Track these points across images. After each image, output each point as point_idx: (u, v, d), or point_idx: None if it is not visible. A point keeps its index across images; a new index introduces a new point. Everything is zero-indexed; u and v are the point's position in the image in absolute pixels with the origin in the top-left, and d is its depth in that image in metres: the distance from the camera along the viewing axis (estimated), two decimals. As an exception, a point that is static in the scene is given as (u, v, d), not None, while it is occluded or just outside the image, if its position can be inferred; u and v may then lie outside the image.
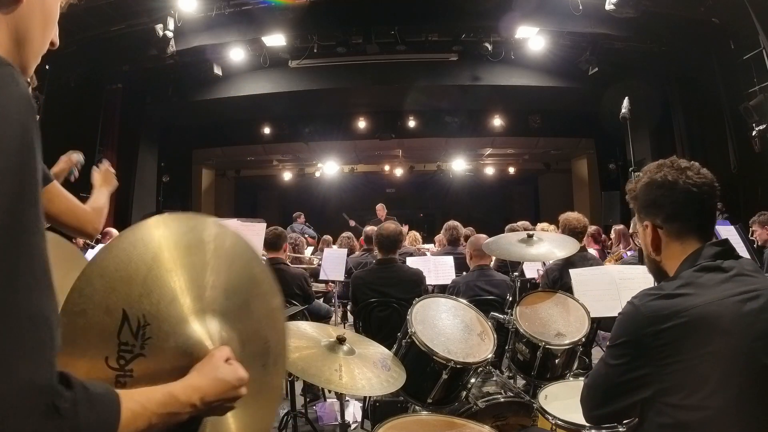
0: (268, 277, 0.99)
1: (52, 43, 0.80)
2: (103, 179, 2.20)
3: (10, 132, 0.58)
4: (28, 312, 0.57)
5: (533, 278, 4.37)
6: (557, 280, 3.54)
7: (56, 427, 0.56)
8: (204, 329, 0.84)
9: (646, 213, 1.39)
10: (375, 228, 4.86)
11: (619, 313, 1.32)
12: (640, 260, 3.48)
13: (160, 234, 0.82)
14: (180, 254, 0.83)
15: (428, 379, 2.21)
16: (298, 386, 3.74)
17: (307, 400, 3.97)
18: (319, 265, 5.40)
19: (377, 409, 2.64)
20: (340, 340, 2.00)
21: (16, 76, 0.63)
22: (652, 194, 1.37)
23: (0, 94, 0.60)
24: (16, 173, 0.58)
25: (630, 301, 1.29)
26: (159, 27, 7.08)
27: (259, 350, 0.96)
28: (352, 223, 10.73)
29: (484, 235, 3.81)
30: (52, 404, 0.56)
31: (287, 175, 15.87)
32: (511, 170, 16.42)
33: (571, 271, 3.10)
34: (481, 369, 2.34)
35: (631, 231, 5.80)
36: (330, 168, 14.72)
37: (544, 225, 6.23)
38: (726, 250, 1.31)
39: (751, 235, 4.87)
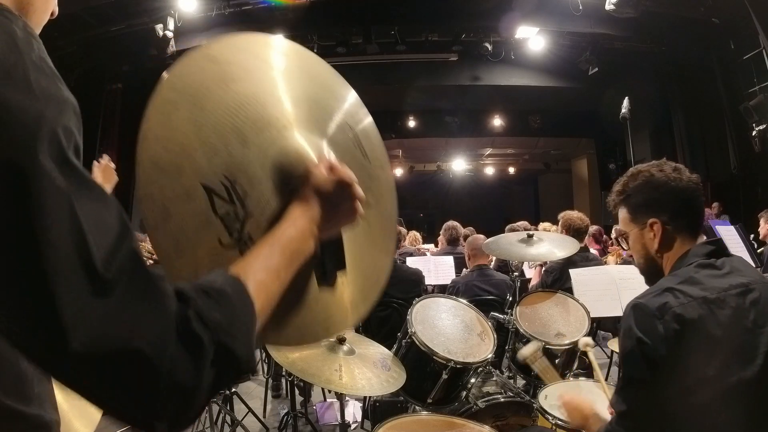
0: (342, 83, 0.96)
1: (51, 13, 0.72)
2: (103, 175, 2.16)
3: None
4: (137, 255, 0.52)
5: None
6: (557, 280, 3.54)
7: (198, 346, 0.52)
8: (292, 147, 0.76)
9: (648, 211, 1.41)
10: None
11: (626, 317, 1.31)
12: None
13: (188, 79, 0.70)
14: (226, 84, 0.72)
15: (428, 379, 2.21)
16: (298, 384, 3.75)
17: (307, 399, 3.97)
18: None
19: (377, 409, 2.64)
20: (340, 340, 2.00)
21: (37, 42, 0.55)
22: (654, 192, 1.39)
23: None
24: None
25: (633, 303, 1.29)
26: (159, 27, 7.08)
27: (357, 162, 0.86)
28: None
29: (482, 236, 3.81)
30: (184, 330, 0.51)
31: (287, 175, 15.84)
32: (511, 170, 16.44)
33: (571, 271, 3.10)
34: (481, 369, 2.34)
35: (615, 236, 5.78)
36: (330, 168, 14.69)
37: (546, 225, 6.23)
38: (718, 249, 1.36)
39: (758, 230, 4.94)
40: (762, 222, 4.95)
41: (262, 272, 0.63)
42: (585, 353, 1.91)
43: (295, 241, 0.69)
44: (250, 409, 3.47)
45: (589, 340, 1.93)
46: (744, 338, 1.23)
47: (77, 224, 0.47)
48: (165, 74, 0.68)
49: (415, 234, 7.70)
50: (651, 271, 1.46)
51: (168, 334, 0.50)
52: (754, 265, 3.53)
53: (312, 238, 0.71)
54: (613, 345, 2.54)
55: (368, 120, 0.98)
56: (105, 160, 2.24)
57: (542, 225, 6.23)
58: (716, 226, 3.53)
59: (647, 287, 1.39)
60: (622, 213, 1.48)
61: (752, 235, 4.92)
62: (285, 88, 0.81)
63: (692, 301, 1.23)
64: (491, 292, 3.51)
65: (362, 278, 0.86)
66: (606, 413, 1.47)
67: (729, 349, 1.22)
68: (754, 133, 7.13)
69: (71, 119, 0.52)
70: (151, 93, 0.66)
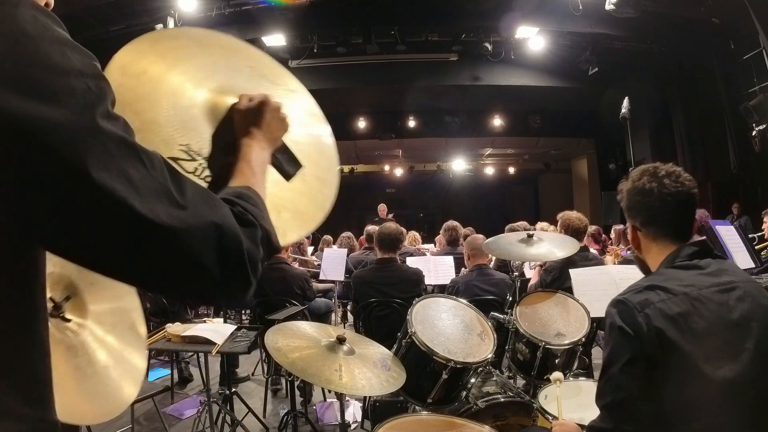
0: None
1: (46, 4, 0.73)
2: None
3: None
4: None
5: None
6: (556, 279, 3.54)
7: (253, 228, 0.69)
8: (214, 101, 0.94)
9: (628, 215, 1.51)
10: (376, 227, 4.86)
11: (608, 315, 1.33)
12: (640, 260, 3.48)
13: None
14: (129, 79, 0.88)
15: (428, 379, 2.22)
16: (297, 384, 3.75)
17: (308, 400, 3.97)
18: (320, 265, 5.40)
19: (377, 409, 2.64)
20: (340, 340, 2.00)
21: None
22: (632, 199, 1.47)
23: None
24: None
25: (615, 299, 1.33)
26: (159, 27, 7.08)
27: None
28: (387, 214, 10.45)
29: (481, 236, 3.81)
30: (240, 219, 0.68)
31: (287, 175, 15.85)
32: (511, 170, 16.45)
33: (571, 271, 3.10)
34: (481, 369, 2.34)
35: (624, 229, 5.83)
36: (330, 168, 14.69)
37: (544, 225, 6.23)
38: (702, 250, 1.39)
39: (762, 228, 4.93)
40: (767, 219, 4.95)
41: (255, 182, 0.81)
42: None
43: (255, 155, 0.86)
44: (250, 409, 3.47)
45: (560, 375, 1.98)
46: (729, 333, 1.25)
47: (147, 172, 0.60)
48: None
49: (415, 234, 7.68)
50: (640, 266, 1.54)
51: (232, 219, 0.66)
52: (753, 264, 3.53)
53: (264, 150, 0.89)
54: (613, 345, 2.54)
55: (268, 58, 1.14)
56: None
57: (539, 225, 6.22)
58: (716, 226, 3.52)
59: None
60: None
61: (757, 234, 4.92)
62: (196, 69, 0.98)
63: (673, 297, 1.26)
64: (491, 291, 3.51)
65: (316, 169, 1.06)
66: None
67: (714, 344, 1.23)
68: (754, 133, 7.14)
69: (103, 78, 0.61)
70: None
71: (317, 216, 1.04)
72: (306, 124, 1.09)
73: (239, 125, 0.90)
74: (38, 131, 0.52)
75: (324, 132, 1.14)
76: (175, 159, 0.84)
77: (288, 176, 0.97)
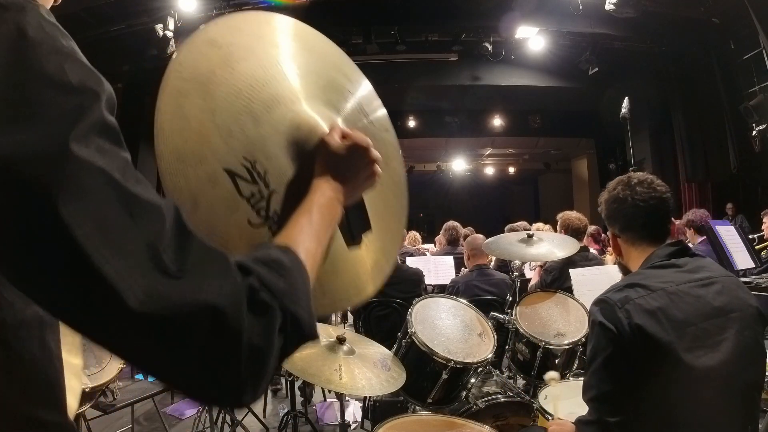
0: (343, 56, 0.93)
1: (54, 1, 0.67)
2: None
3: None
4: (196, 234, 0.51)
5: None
6: (556, 279, 3.54)
7: (268, 313, 0.51)
8: (303, 120, 0.76)
9: (608, 223, 1.60)
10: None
11: (591, 313, 1.40)
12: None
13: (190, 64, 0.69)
14: (227, 67, 0.71)
15: (428, 379, 2.22)
16: (298, 385, 3.74)
17: (308, 400, 3.97)
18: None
19: (377, 409, 2.64)
20: (340, 340, 2.00)
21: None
22: (609, 208, 1.56)
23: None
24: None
25: (597, 299, 1.40)
26: (159, 27, 7.09)
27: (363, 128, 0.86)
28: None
29: (481, 236, 3.81)
30: (252, 298, 0.50)
31: (287, 175, 15.86)
32: (511, 170, 16.45)
33: (571, 270, 3.10)
34: (481, 369, 2.34)
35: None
36: (330, 168, 14.70)
37: (539, 225, 6.24)
38: (679, 250, 1.45)
39: (762, 228, 4.94)
40: (766, 220, 4.95)
41: (306, 241, 0.64)
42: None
43: (326, 209, 0.69)
44: (250, 409, 3.47)
45: (555, 374, 2.00)
46: (708, 323, 1.30)
47: (130, 212, 0.46)
48: (170, 64, 0.68)
49: (414, 234, 7.68)
50: (625, 273, 1.61)
51: (241, 299, 0.49)
52: (753, 264, 3.53)
53: (339, 205, 0.72)
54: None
55: (367, 84, 0.96)
56: None
57: (535, 225, 6.22)
58: (716, 226, 3.52)
59: None
60: None
61: (756, 235, 4.93)
62: (291, 65, 0.80)
63: (652, 293, 1.31)
64: (491, 291, 3.51)
65: (382, 236, 0.87)
66: None
67: (693, 334, 1.28)
68: (754, 133, 7.14)
69: (103, 99, 0.50)
70: (159, 85, 0.65)
71: (363, 291, 0.83)
72: (386, 179, 0.88)
73: (321, 163, 0.73)
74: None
75: (404, 200, 0.96)
76: (233, 174, 0.67)
77: (351, 240, 0.78)
